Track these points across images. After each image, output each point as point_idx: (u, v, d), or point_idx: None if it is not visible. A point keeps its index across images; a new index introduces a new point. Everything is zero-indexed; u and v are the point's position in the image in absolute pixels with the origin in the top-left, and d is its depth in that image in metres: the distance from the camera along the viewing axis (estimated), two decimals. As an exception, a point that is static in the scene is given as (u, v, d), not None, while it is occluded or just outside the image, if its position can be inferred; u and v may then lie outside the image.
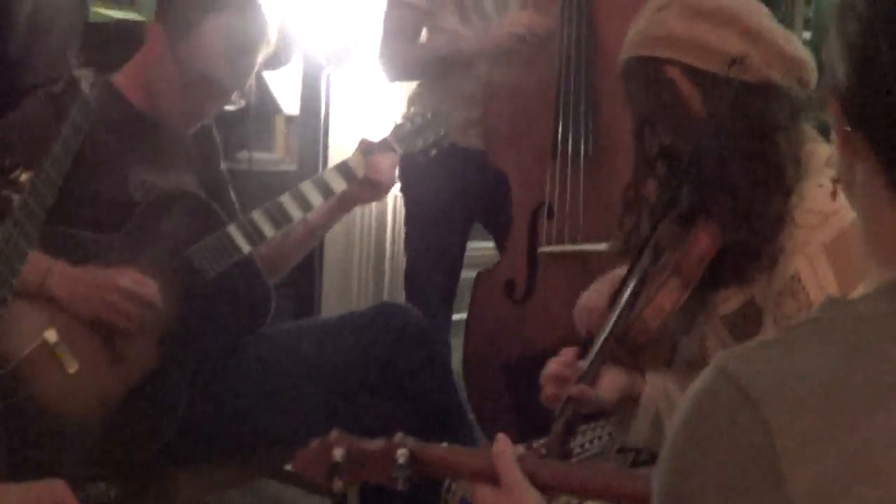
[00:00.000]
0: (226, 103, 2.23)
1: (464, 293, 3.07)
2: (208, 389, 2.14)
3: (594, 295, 2.00)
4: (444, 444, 1.39)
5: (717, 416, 0.86)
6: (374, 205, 3.76)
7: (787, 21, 4.14)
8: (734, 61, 1.65)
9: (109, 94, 2.14)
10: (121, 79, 2.22)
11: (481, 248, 3.42)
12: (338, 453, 1.35)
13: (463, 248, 3.06)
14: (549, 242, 2.72)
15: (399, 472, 1.33)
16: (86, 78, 1.73)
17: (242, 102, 2.24)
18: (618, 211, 1.92)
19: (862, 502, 0.82)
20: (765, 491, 0.83)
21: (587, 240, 2.66)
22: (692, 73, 1.69)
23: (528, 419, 2.27)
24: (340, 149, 3.54)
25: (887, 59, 0.87)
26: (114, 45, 2.57)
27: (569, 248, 2.69)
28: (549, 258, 2.73)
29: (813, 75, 1.71)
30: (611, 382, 1.73)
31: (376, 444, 1.36)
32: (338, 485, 1.36)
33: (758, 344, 0.91)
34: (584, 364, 1.73)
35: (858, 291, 0.97)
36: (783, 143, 1.69)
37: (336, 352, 2.24)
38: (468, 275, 3.02)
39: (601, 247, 2.62)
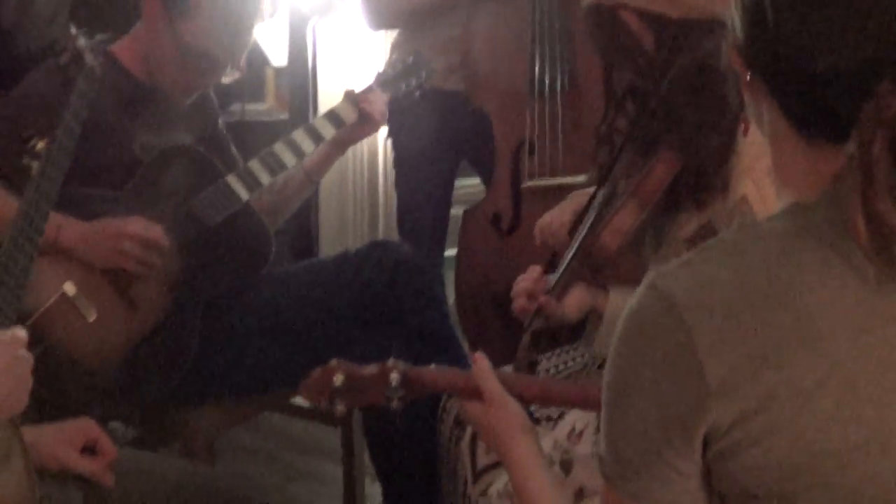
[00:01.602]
0: (223, 76, 2.33)
1: (453, 230, 3.20)
2: (216, 331, 2.25)
3: (556, 212, 2.14)
4: (433, 366, 1.54)
5: (648, 321, 1.03)
6: (365, 149, 3.85)
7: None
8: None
9: (111, 65, 2.22)
10: (121, 50, 2.31)
11: (468, 185, 3.54)
12: (338, 379, 1.49)
13: (451, 187, 3.17)
14: (531, 177, 2.84)
15: (393, 393, 1.47)
16: (90, 50, 1.84)
17: (237, 74, 2.34)
18: (591, 146, 2.05)
19: (767, 385, 0.98)
20: (688, 380, 1.00)
21: (568, 173, 2.78)
22: (643, 15, 1.78)
23: (516, 343, 2.41)
24: (329, 96, 3.63)
25: (775, 18, 1.01)
26: (102, 9, 2.67)
27: (550, 181, 2.80)
28: (532, 192, 2.85)
29: None
30: (576, 298, 1.89)
31: (371, 368, 1.51)
32: (339, 408, 1.50)
33: (680, 262, 1.06)
34: (552, 279, 1.89)
35: None
36: (729, 78, 1.80)
37: (334, 290, 2.35)
38: (457, 212, 3.14)
39: (581, 178, 2.76)
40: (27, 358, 1.40)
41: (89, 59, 1.83)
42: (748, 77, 1.08)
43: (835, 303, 0.98)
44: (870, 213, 0.96)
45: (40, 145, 1.70)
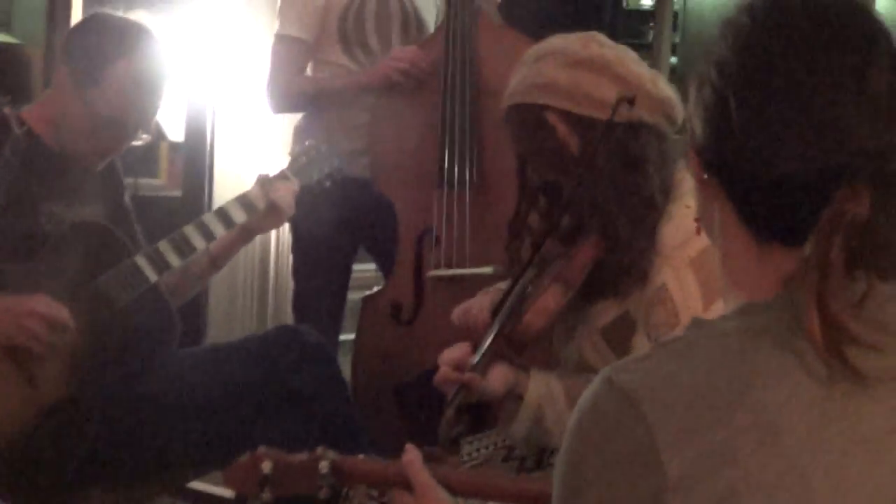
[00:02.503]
0: (133, 141, 2.31)
1: (347, 315, 3.18)
2: (117, 414, 2.18)
3: (477, 299, 2.15)
4: (361, 456, 1.51)
5: (605, 416, 1.01)
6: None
7: (654, 46, 4.34)
8: (615, 108, 1.78)
9: (20, 130, 2.18)
10: (30, 114, 2.26)
11: (361, 270, 3.53)
12: (266, 466, 1.44)
13: (349, 273, 3.15)
14: (436, 267, 2.83)
15: (323, 481, 1.43)
16: (15, 118, 1.79)
17: (148, 138, 2.32)
18: (504, 239, 2.06)
19: (727, 480, 0.98)
20: (646, 475, 0.98)
21: (473, 264, 2.79)
22: (570, 117, 1.83)
23: (415, 436, 2.38)
24: (226, 175, 3.60)
25: (736, 124, 1.02)
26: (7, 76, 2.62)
27: (455, 271, 2.81)
28: (435, 282, 2.84)
29: (679, 112, 1.87)
30: (499, 376, 1.86)
31: (300, 456, 1.46)
32: (266, 497, 1.45)
33: (637, 357, 1.06)
34: (474, 358, 1.86)
35: (718, 306, 1.14)
36: (653, 175, 1.84)
37: (239, 373, 2.31)
38: (351, 297, 3.14)
39: (487, 270, 2.78)
40: None
41: (15, 127, 1.78)
42: (703, 178, 1.09)
43: (791, 401, 0.99)
44: (824, 314, 0.98)
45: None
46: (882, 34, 1.02)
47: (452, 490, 1.43)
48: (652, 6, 4.21)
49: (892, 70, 1.01)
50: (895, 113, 1.00)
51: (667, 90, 1.86)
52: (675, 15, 4.67)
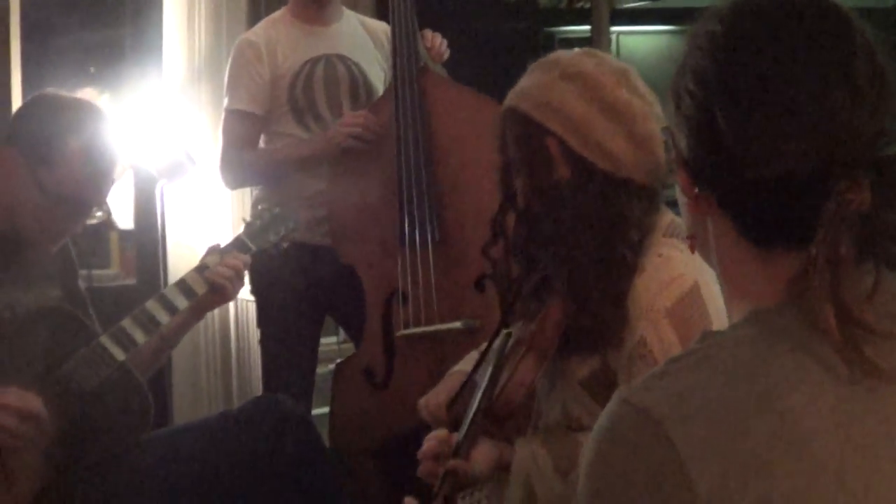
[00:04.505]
0: (90, 218, 2.27)
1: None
2: (97, 500, 2.13)
3: (434, 392, 2.09)
4: None
5: (626, 439, 0.98)
6: (216, 314, 3.77)
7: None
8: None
9: None
10: None
11: (323, 343, 3.50)
12: None
13: (317, 343, 3.12)
14: (406, 325, 2.83)
15: None
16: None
17: (104, 216, 2.28)
18: (486, 242, 1.99)
19: (759, 492, 0.95)
20: (676, 495, 0.95)
21: (442, 320, 2.79)
22: (569, 152, 1.75)
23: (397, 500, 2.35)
24: (179, 258, 3.56)
25: (724, 131, 1.01)
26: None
27: (426, 328, 2.80)
28: (406, 341, 2.84)
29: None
30: (483, 454, 1.83)
31: None
32: None
33: (650, 376, 1.03)
34: (456, 439, 1.83)
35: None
36: (631, 236, 1.77)
37: (220, 449, 2.27)
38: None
39: (456, 325, 2.77)
40: None
41: None
42: (694, 193, 1.08)
43: (814, 403, 0.98)
44: (842, 311, 0.97)
45: None
46: (855, 24, 1.02)
47: None
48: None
49: (872, 58, 1.01)
50: (881, 100, 1.00)
51: None
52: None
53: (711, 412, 0.97)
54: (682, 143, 1.07)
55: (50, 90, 2.27)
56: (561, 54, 1.84)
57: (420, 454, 1.89)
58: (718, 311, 1.75)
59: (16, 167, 2.18)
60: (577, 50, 1.86)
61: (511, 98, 1.83)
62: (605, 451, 1.00)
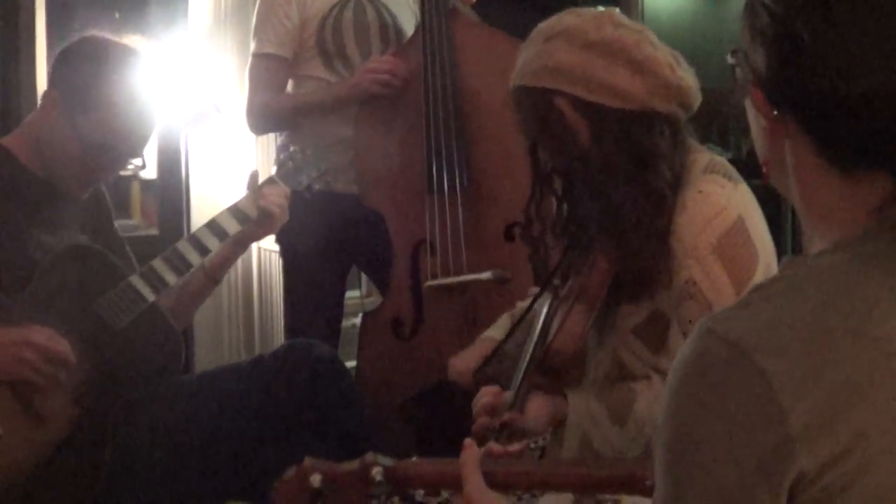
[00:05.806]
0: (124, 168, 2.23)
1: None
2: (130, 443, 2.10)
3: (463, 357, 2.08)
4: (415, 458, 1.41)
5: (714, 370, 0.93)
6: (239, 262, 3.73)
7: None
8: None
9: (4, 159, 2.11)
10: (13, 141, 2.18)
11: (348, 296, 3.46)
12: (315, 479, 1.34)
13: (342, 294, 3.08)
14: (433, 276, 2.77)
15: (378, 489, 1.34)
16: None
17: (140, 165, 2.24)
18: (522, 225, 2.00)
19: (856, 422, 0.91)
20: (769, 428, 0.91)
21: (470, 270, 2.73)
22: (579, 103, 1.74)
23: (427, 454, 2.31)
24: (202, 209, 3.52)
25: (808, 46, 0.96)
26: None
27: (454, 279, 2.74)
28: (434, 291, 2.78)
29: (696, 99, 1.78)
30: (537, 409, 1.81)
31: (350, 465, 1.36)
32: None
33: (735, 305, 0.98)
34: (509, 395, 1.82)
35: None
36: (664, 169, 1.75)
37: (254, 392, 2.24)
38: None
39: (486, 275, 2.71)
40: None
41: None
42: (773, 115, 1.02)
43: None
44: None
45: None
46: None
47: (510, 486, 1.35)
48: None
49: None
50: None
51: (686, 76, 1.76)
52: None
53: (804, 341, 0.93)
54: (759, 61, 1.02)
55: (95, 33, 2.20)
56: (540, 25, 1.84)
57: (474, 409, 1.87)
58: (764, 245, 1.75)
59: (54, 110, 2.14)
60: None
61: (511, 81, 1.84)
62: (692, 384, 0.95)
